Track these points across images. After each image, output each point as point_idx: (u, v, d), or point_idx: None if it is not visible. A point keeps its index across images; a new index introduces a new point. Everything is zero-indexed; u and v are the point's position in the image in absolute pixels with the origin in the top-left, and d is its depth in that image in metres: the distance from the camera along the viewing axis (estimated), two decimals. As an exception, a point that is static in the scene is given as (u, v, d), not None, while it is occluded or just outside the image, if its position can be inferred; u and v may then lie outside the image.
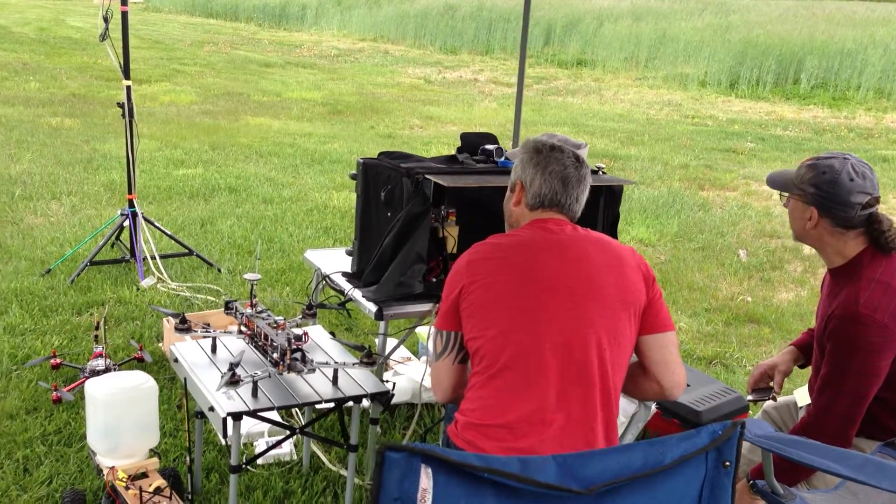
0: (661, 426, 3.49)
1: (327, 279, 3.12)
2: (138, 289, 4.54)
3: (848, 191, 2.34)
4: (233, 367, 2.44)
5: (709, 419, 3.31)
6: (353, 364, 2.62)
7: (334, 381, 2.59)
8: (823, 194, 2.36)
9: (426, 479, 1.27)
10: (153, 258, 4.75)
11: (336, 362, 2.62)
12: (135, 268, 4.76)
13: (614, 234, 3.26)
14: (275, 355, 2.54)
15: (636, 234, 6.48)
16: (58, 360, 3.52)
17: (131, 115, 4.71)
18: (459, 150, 3.18)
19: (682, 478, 1.39)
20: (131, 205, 4.79)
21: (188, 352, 2.72)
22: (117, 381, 2.59)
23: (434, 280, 2.95)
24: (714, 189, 8.24)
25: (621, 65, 18.76)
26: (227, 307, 2.77)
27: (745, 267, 5.93)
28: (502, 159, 3.11)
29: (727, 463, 1.42)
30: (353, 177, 3.08)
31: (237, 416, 2.38)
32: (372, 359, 2.62)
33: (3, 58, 14.54)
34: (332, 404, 2.55)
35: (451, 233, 3.03)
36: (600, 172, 3.19)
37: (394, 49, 21.28)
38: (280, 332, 2.58)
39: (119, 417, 2.56)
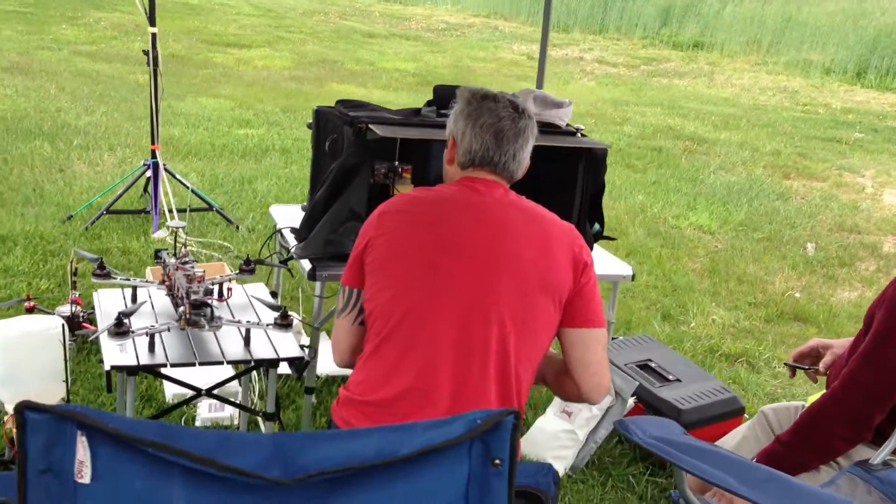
0: (645, 422, 3.15)
1: (279, 234, 2.95)
2: (147, 240, 4.50)
3: None
4: (121, 316, 2.29)
5: (690, 420, 2.97)
6: (267, 325, 2.43)
7: (246, 342, 2.41)
8: None
9: (82, 450, 1.06)
10: (170, 211, 4.70)
11: (248, 322, 2.43)
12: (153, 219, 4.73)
13: (597, 206, 2.95)
14: (181, 309, 2.38)
15: (696, 220, 6.03)
16: (31, 304, 3.49)
17: (156, 64, 4.65)
18: (429, 102, 2.93)
19: (432, 474, 1.12)
20: (153, 156, 4.74)
21: (107, 301, 2.60)
22: (21, 325, 2.49)
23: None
24: (801, 178, 7.61)
25: (741, 48, 17.79)
26: (157, 256, 2.63)
27: (809, 261, 5.41)
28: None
29: (497, 461, 1.14)
30: (310, 126, 2.88)
31: (131, 371, 2.24)
32: (287, 321, 2.42)
33: (119, 19, 15.05)
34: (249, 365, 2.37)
35: (404, 192, 2.78)
36: (578, 134, 2.87)
37: (505, 25, 20.91)
38: (195, 284, 2.42)
39: (20, 363, 2.46)
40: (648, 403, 3.09)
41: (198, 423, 2.94)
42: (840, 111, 11.85)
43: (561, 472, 2.98)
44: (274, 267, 2.92)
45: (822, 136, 9.63)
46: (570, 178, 2.90)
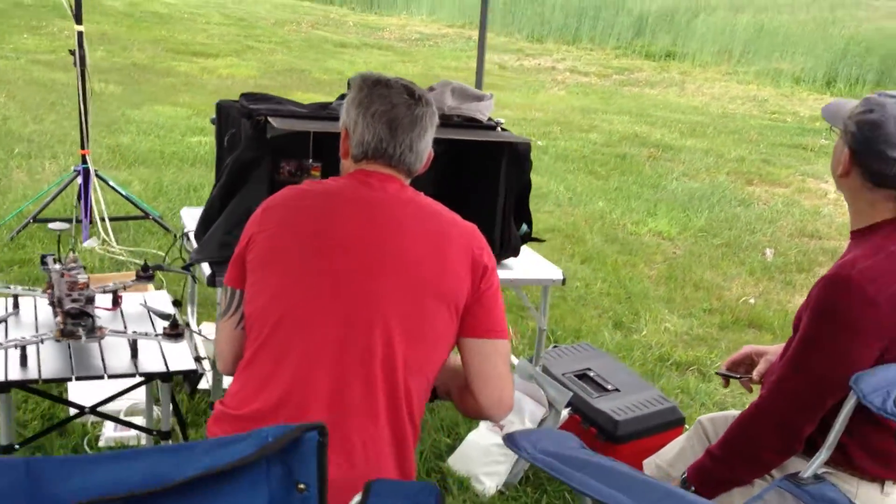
0: (582, 435, 2.98)
1: (185, 238, 2.76)
2: (73, 250, 4.30)
3: (888, 140, 1.83)
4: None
5: (627, 431, 2.81)
6: (156, 336, 2.25)
7: (133, 354, 2.22)
8: (861, 137, 1.87)
9: None
10: (102, 220, 4.50)
11: (135, 333, 2.24)
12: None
13: (524, 204, 2.79)
14: (57, 319, 2.19)
15: (655, 227, 5.89)
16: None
17: (83, 64, 4.47)
18: (341, 96, 2.77)
19: (223, 502, 0.94)
20: (84, 161, 4.54)
21: (-13, 310, 2.40)
22: None
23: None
24: (764, 184, 7.50)
25: (712, 58, 17.78)
26: (42, 262, 2.43)
27: (768, 267, 5.28)
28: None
29: (301, 486, 0.96)
30: (213, 121, 2.71)
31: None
32: (177, 331, 2.24)
33: (86, 29, 14.83)
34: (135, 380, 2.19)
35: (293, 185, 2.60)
36: (499, 128, 2.71)
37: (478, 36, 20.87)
38: (76, 292, 2.22)
39: None
40: (585, 414, 2.93)
41: (101, 444, 2.74)
42: (808, 119, 11.80)
43: (493, 489, 2.80)
44: (177, 273, 2.73)
45: (787, 143, 9.55)
46: (492, 176, 2.74)
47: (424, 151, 1.88)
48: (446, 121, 2.71)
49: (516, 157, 2.70)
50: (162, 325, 2.33)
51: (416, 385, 1.70)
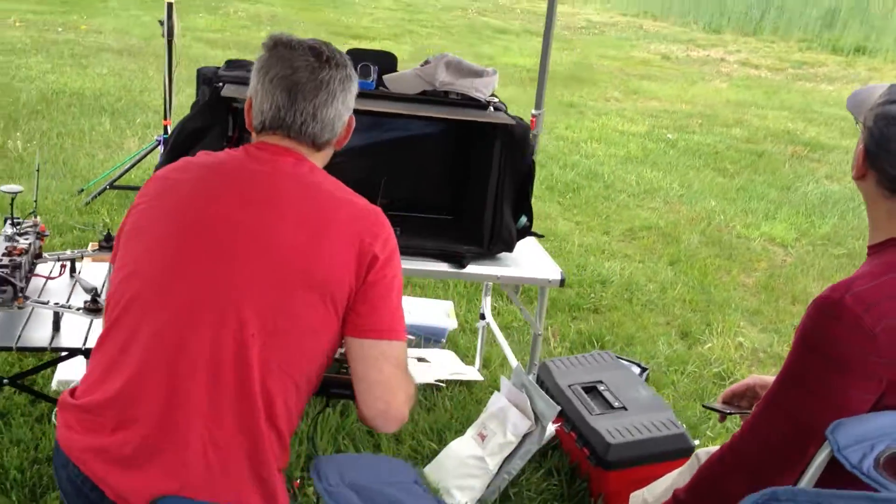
0: (575, 455, 2.68)
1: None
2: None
3: None
4: None
5: (619, 457, 2.49)
6: (77, 310, 2.16)
7: (55, 326, 2.15)
8: (878, 133, 1.54)
9: None
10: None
11: (56, 304, 2.17)
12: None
13: (524, 194, 2.51)
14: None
15: (769, 231, 5.34)
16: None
17: (171, 36, 4.54)
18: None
19: None
20: (165, 131, 4.63)
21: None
22: None
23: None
24: (921, 193, 6.65)
25: (908, 54, 16.18)
26: (5, 221, 2.42)
27: (889, 285, 4.62)
28: (368, 80, 2.48)
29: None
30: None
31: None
32: (97, 304, 2.15)
33: (257, 10, 15.43)
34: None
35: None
36: (490, 107, 2.44)
37: (652, 25, 20.02)
38: (10, 258, 2.18)
39: None
40: (580, 432, 2.62)
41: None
42: None
43: (463, 506, 2.55)
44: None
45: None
46: (485, 160, 2.48)
47: (336, 120, 1.67)
48: (435, 97, 2.48)
49: (511, 140, 2.42)
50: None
51: (278, 387, 1.50)
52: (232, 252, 1.51)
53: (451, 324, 3.45)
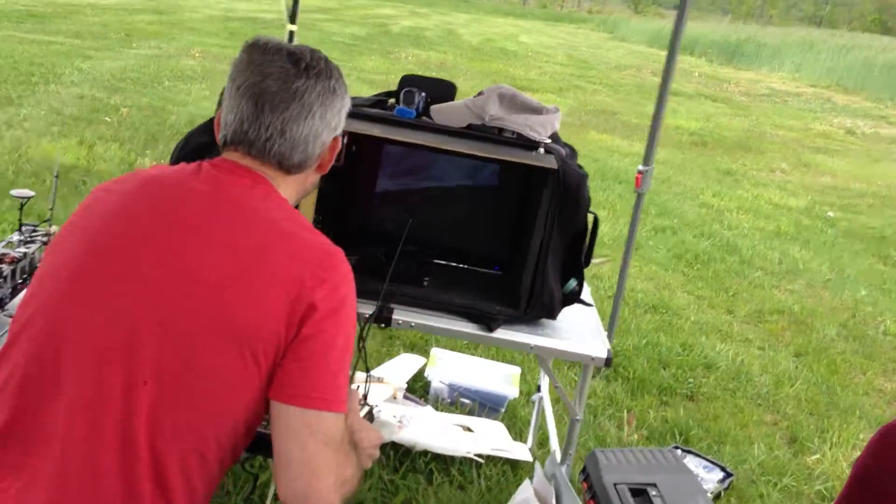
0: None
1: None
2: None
3: None
4: None
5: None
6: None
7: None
8: None
9: None
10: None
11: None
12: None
13: (576, 253, 2.18)
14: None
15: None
16: None
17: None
18: (390, 93, 2.39)
19: None
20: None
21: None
22: None
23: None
24: None
25: None
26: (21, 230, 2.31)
27: None
28: (401, 106, 2.23)
29: None
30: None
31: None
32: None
33: (428, 57, 15.68)
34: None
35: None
36: (541, 149, 2.12)
37: (842, 98, 18.80)
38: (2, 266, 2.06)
39: None
40: None
41: None
42: None
43: None
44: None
45: None
46: (531, 210, 2.16)
47: (311, 140, 1.42)
48: (480, 131, 2.19)
49: (565, 190, 2.08)
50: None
51: (173, 455, 1.23)
52: (142, 282, 1.28)
53: (511, 392, 3.10)
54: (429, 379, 3.13)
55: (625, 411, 3.23)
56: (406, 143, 2.08)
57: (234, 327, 1.25)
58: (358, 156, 2.30)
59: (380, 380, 2.98)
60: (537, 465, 2.34)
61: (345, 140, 1.87)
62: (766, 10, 68.29)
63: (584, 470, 2.47)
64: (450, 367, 3.20)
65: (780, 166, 9.70)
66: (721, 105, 15.04)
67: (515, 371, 3.26)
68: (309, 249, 1.34)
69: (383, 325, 2.07)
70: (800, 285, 5.18)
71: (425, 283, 2.19)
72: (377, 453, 1.50)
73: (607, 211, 6.15)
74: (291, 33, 4.38)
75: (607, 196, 6.66)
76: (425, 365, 3.22)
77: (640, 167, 3.67)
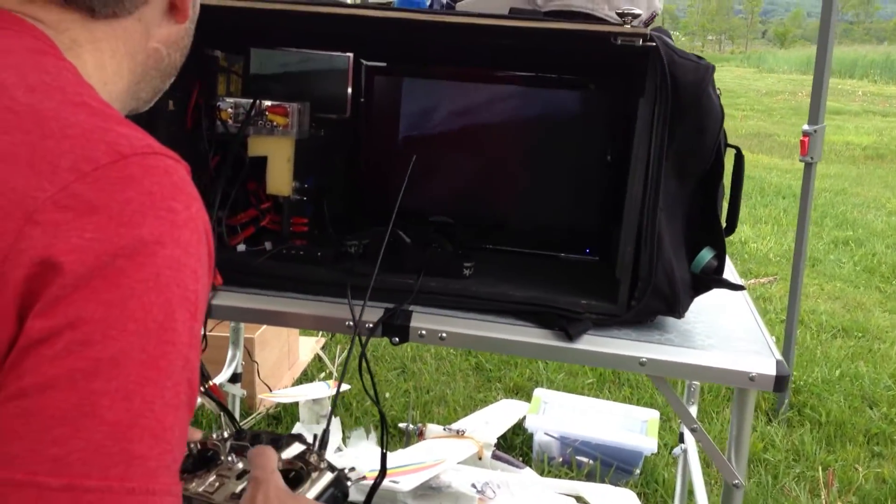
0: None
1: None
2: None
3: None
4: None
5: None
6: None
7: None
8: None
9: None
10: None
11: None
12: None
13: (713, 213, 1.33)
14: None
15: None
16: None
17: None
18: None
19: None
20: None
21: None
22: None
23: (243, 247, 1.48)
24: None
25: None
26: None
27: None
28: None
29: None
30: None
31: None
32: None
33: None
34: None
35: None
36: (628, 25, 1.29)
37: None
38: None
39: None
40: None
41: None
42: None
43: None
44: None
45: None
46: (626, 138, 1.33)
47: None
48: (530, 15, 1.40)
49: (675, 92, 1.25)
50: None
51: None
52: None
53: (649, 445, 2.21)
54: (530, 431, 2.29)
55: (819, 469, 2.25)
56: (397, 19, 1.27)
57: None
58: (368, 100, 1.58)
59: (458, 433, 2.17)
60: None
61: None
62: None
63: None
64: (560, 414, 2.36)
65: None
66: (893, 119, 13.49)
67: (653, 416, 2.35)
68: (70, 143, 0.61)
69: (397, 339, 1.29)
70: None
71: (467, 272, 1.39)
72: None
73: (771, 225, 5.21)
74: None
75: (770, 211, 5.71)
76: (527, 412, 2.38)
77: (806, 127, 2.81)
